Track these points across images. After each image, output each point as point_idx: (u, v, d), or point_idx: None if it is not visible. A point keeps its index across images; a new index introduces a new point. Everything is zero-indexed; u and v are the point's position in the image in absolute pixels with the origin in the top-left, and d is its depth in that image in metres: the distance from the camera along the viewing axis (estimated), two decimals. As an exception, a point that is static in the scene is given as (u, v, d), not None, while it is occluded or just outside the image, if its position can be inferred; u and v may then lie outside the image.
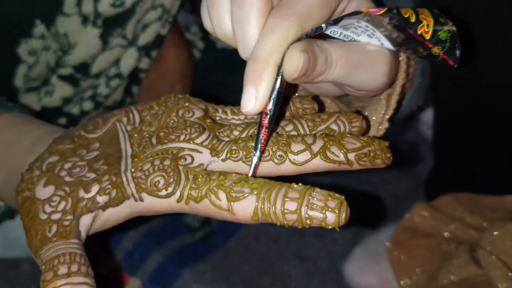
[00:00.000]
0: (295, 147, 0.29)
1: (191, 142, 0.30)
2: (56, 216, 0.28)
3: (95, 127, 0.33)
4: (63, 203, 0.29)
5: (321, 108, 0.38)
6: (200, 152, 0.30)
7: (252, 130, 0.31)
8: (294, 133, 0.31)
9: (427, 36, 0.29)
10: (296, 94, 0.37)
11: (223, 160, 0.30)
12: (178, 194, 0.28)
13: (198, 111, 0.33)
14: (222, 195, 0.27)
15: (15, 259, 0.72)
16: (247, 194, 0.26)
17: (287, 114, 0.34)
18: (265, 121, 0.28)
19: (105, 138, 0.32)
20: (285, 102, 0.35)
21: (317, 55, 0.28)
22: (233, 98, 0.88)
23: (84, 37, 0.60)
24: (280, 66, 0.27)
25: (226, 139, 0.31)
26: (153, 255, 0.72)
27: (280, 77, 0.28)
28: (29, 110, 0.57)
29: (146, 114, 0.33)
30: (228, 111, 0.34)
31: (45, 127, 0.36)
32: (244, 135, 0.31)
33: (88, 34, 0.59)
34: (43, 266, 0.26)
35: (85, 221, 0.29)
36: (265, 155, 0.29)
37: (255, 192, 0.26)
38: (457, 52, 0.30)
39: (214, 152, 0.30)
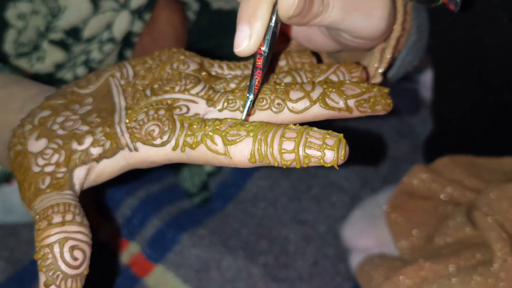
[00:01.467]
0: (294, 94, 0.28)
1: (186, 93, 0.29)
2: (49, 169, 0.28)
3: (88, 83, 0.32)
4: (56, 156, 0.28)
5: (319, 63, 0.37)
6: (196, 103, 0.29)
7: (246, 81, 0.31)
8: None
9: None
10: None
11: (219, 111, 0.29)
12: (173, 142, 0.27)
13: (193, 64, 0.32)
14: (218, 139, 0.26)
15: (14, 226, 0.72)
16: (243, 137, 0.25)
17: (285, 68, 0.33)
18: (259, 63, 0.27)
19: (99, 93, 0.32)
20: (283, 57, 0.34)
21: None
22: (232, 59, 0.87)
23: (74, 0, 0.58)
24: (275, 4, 0.26)
25: (222, 90, 0.30)
26: (151, 221, 0.72)
27: (275, 15, 0.26)
28: (19, 71, 0.56)
29: (140, 68, 0.32)
30: (224, 66, 0.34)
31: (37, 87, 0.35)
32: (240, 85, 0.30)
33: (78, -3, 0.58)
34: (37, 216, 0.26)
35: (79, 173, 0.28)
36: (262, 103, 0.28)
37: (252, 134, 0.26)
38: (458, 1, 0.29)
39: (211, 102, 0.29)
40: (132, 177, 0.77)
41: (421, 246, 0.59)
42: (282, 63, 0.33)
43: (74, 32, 0.61)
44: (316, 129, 0.26)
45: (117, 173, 0.30)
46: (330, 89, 0.28)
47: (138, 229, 0.73)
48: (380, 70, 0.35)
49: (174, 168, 0.76)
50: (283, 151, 0.25)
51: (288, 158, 0.25)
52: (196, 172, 0.75)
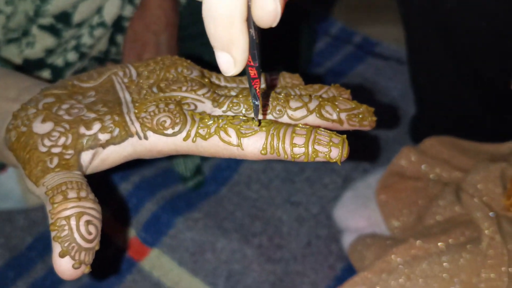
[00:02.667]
0: (293, 104, 0.30)
1: (193, 93, 0.31)
2: (56, 150, 0.28)
3: (89, 78, 0.33)
4: (63, 139, 0.28)
5: None
6: (203, 102, 0.30)
7: (246, 91, 0.32)
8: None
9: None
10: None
11: (224, 112, 0.30)
12: (184, 133, 0.28)
13: (195, 71, 0.33)
14: (232, 132, 0.28)
15: (9, 213, 0.73)
16: (256, 131, 0.27)
17: (278, 86, 0.35)
18: (253, 73, 0.27)
19: (101, 87, 0.32)
20: (275, 77, 0.35)
21: None
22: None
23: (62, -15, 0.58)
24: (249, 17, 0.23)
25: (221, 94, 0.32)
26: (146, 205, 0.73)
27: (252, 29, 0.24)
28: (9, 64, 0.55)
29: (143, 70, 0.33)
30: (221, 78, 0.35)
31: (31, 79, 0.35)
32: (243, 93, 0.32)
33: (66, -19, 0.58)
34: (50, 191, 0.26)
35: (85, 157, 0.29)
36: (264, 108, 0.30)
37: (264, 129, 0.28)
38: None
39: (216, 103, 0.30)
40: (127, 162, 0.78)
41: (411, 225, 0.60)
42: (274, 81, 0.35)
43: (63, 17, 0.60)
44: (323, 129, 0.28)
45: (121, 161, 0.30)
46: (325, 102, 0.30)
47: (133, 213, 0.73)
48: None
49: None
50: (294, 145, 0.27)
51: (298, 152, 0.27)
52: (189, 156, 0.75)
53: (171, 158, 0.76)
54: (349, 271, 0.64)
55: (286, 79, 0.35)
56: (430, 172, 0.63)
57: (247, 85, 0.34)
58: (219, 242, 0.70)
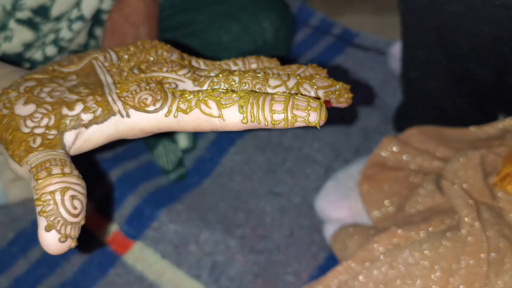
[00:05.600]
0: (272, 82, 0.31)
1: (174, 73, 0.31)
2: (39, 131, 0.28)
3: (70, 63, 0.33)
4: (45, 119, 0.28)
5: None
6: (183, 82, 0.31)
7: (225, 73, 0.33)
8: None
9: None
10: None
11: None
12: (166, 108, 0.29)
13: (175, 54, 0.34)
14: (212, 103, 0.28)
15: (-11, 209, 0.72)
16: (236, 100, 0.28)
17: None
18: None
19: (82, 71, 0.32)
20: (254, 60, 0.36)
21: None
22: (200, 37, 0.86)
23: (40, -22, 0.57)
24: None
25: (202, 74, 0.32)
26: (129, 199, 0.72)
27: None
28: None
29: (123, 54, 0.33)
30: (201, 62, 0.35)
31: (9, 66, 0.35)
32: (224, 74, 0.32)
33: (43, -26, 0.57)
34: (34, 168, 0.26)
35: (68, 138, 0.29)
36: (245, 87, 0.31)
37: (244, 98, 0.28)
38: None
39: (197, 82, 0.31)
40: (108, 154, 0.77)
41: (393, 215, 0.61)
42: (253, 66, 0.36)
43: (41, 11, 0.59)
44: (300, 95, 0.29)
45: (104, 141, 0.30)
46: (303, 80, 0.31)
47: (116, 207, 0.73)
48: None
49: (150, 146, 0.76)
50: (274, 111, 0.27)
51: (278, 118, 0.28)
52: (170, 149, 0.75)
53: (152, 150, 0.76)
54: (332, 260, 0.65)
55: (264, 63, 0.36)
56: (411, 162, 0.65)
57: (225, 69, 0.35)
58: (202, 234, 0.71)
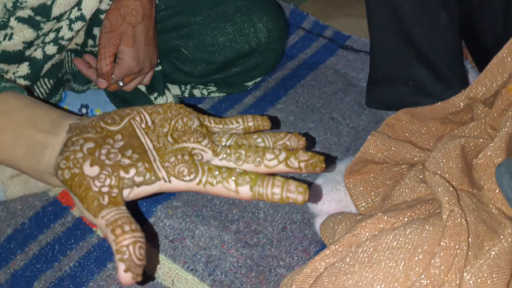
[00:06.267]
0: (268, 156, 0.42)
1: (198, 144, 0.41)
2: (105, 189, 0.37)
3: (113, 122, 0.41)
4: (108, 180, 0.38)
5: None
6: (206, 152, 0.41)
7: (234, 138, 0.44)
8: (262, 144, 0.44)
9: None
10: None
11: (220, 160, 0.42)
12: (197, 180, 0.39)
13: (196, 120, 0.44)
14: (231, 182, 0.39)
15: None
16: (248, 181, 0.39)
17: (251, 124, 0.48)
18: None
19: (125, 131, 0.41)
20: (251, 119, 0.48)
21: None
22: (195, 38, 0.88)
23: (41, -22, 0.58)
24: None
25: (218, 143, 0.43)
26: (125, 194, 0.74)
27: None
28: (24, 89, 0.58)
29: (155, 117, 0.43)
30: (211, 120, 0.46)
31: (55, 110, 0.43)
32: (229, 141, 0.44)
33: (44, -26, 0.58)
34: (110, 225, 0.36)
35: (124, 194, 0.38)
36: (249, 159, 0.42)
37: (253, 181, 0.39)
38: None
39: (215, 153, 0.42)
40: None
41: (379, 205, 0.63)
42: (250, 124, 0.47)
43: (42, 10, 0.61)
44: (292, 181, 0.40)
45: (149, 195, 0.40)
46: (290, 155, 0.42)
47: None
48: None
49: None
50: (273, 193, 0.39)
51: (276, 198, 0.39)
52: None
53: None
54: (323, 254, 0.67)
55: (258, 121, 0.47)
56: (397, 155, 0.67)
57: (230, 128, 0.47)
58: (197, 229, 0.72)
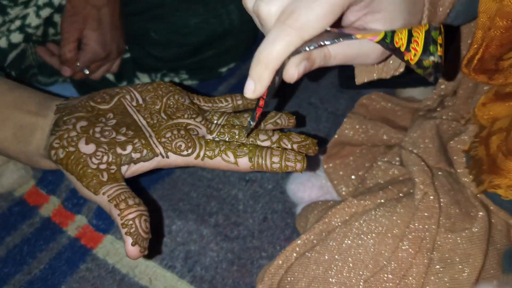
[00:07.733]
0: (261, 136, 0.42)
1: (193, 120, 0.41)
2: (103, 166, 0.37)
3: (103, 100, 0.41)
4: (105, 157, 0.37)
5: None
6: (200, 128, 0.41)
7: (225, 117, 0.44)
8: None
9: (412, 62, 0.35)
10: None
11: (213, 138, 0.42)
12: (195, 154, 0.39)
13: (186, 98, 0.44)
14: (230, 154, 0.39)
15: None
16: (247, 153, 0.39)
17: (230, 106, 0.47)
18: (261, 103, 0.36)
19: (116, 110, 0.41)
20: (241, 97, 0.48)
21: (314, 58, 0.35)
22: (167, 20, 0.84)
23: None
24: (280, 68, 0.33)
25: (210, 121, 0.43)
26: (96, 190, 0.70)
27: (278, 77, 0.34)
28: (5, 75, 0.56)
29: (145, 95, 0.42)
30: (201, 99, 0.46)
31: (40, 93, 0.42)
32: (220, 120, 0.44)
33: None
34: (113, 199, 0.36)
35: (122, 171, 0.38)
36: (243, 139, 0.42)
37: (252, 152, 0.40)
38: (438, 76, 0.36)
39: (209, 130, 0.42)
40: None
41: (357, 189, 0.61)
42: (239, 102, 0.47)
43: None
44: (290, 150, 0.41)
45: (146, 171, 0.39)
46: (283, 136, 0.42)
47: (84, 201, 0.71)
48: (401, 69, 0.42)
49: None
50: (273, 162, 0.39)
51: (275, 167, 0.39)
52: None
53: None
54: (306, 243, 0.65)
55: (247, 99, 0.47)
56: (374, 137, 0.65)
57: (219, 106, 0.47)
58: (174, 224, 0.69)
